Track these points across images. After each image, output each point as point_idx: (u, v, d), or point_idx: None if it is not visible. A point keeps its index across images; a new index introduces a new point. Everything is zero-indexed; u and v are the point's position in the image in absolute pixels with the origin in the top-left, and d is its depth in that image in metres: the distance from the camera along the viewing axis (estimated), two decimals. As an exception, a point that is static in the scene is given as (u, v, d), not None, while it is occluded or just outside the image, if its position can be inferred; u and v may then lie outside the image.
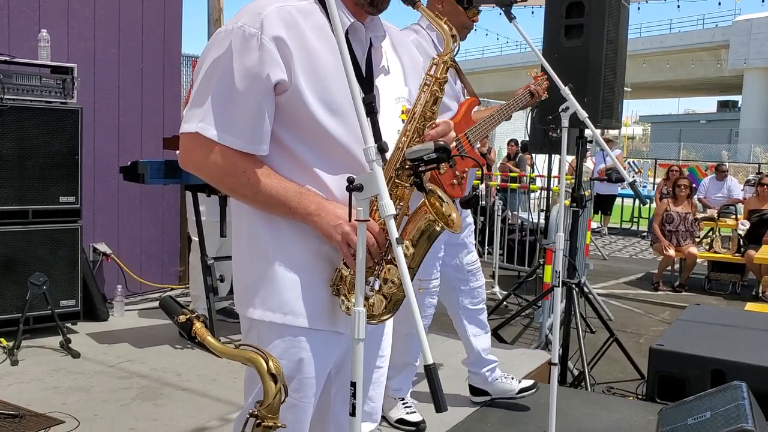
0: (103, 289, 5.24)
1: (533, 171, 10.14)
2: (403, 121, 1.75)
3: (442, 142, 1.54)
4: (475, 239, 8.18)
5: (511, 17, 2.79)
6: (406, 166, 1.63)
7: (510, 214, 8.77)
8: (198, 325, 1.28)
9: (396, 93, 1.80)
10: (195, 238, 4.57)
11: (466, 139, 3.20)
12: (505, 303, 6.35)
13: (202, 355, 4.08)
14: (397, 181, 1.64)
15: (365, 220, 1.40)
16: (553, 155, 6.55)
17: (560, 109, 2.73)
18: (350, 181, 1.37)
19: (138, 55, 5.54)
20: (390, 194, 1.60)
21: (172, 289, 5.84)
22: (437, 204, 1.64)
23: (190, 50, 8.45)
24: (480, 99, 3.42)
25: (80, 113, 4.51)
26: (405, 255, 1.55)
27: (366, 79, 1.71)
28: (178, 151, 1.84)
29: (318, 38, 1.61)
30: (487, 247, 8.31)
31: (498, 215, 7.51)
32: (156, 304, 5.43)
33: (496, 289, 7.24)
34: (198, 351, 4.13)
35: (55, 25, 4.90)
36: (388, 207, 1.33)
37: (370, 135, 1.35)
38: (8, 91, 4.20)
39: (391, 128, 1.73)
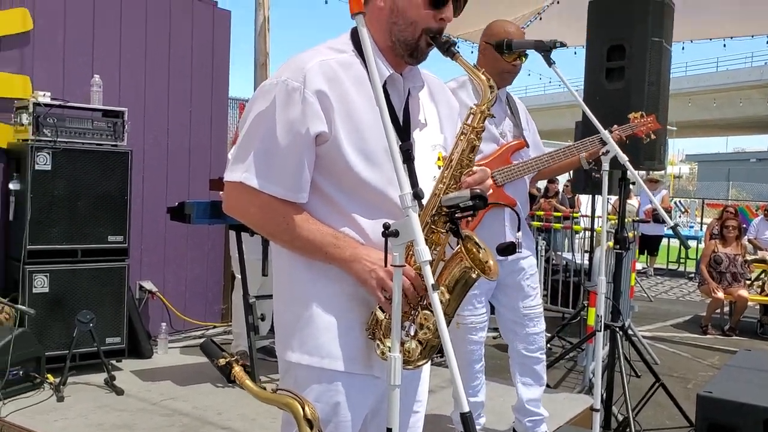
0: (148, 326, 5.33)
1: (577, 210, 10.04)
2: (439, 167, 1.79)
3: (478, 190, 1.57)
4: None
5: (550, 62, 2.81)
6: (443, 213, 1.66)
7: (554, 254, 8.67)
8: (237, 369, 1.31)
9: (432, 140, 1.84)
10: (238, 276, 4.63)
11: (491, 179, 3.19)
12: (549, 345, 6.25)
13: (242, 394, 4.08)
14: (433, 227, 1.67)
15: (401, 266, 1.42)
16: (596, 195, 6.51)
17: (601, 153, 2.72)
18: (386, 227, 1.40)
19: (187, 98, 5.71)
20: (426, 240, 1.63)
21: (215, 326, 5.91)
22: (474, 250, 1.65)
23: (237, 93, 8.65)
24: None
25: (130, 155, 4.65)
26: (441, 301, 1.56)
27: (403, 128, 1.76)
28: (222, 192, 1.90)
29: (357, 89, 1.67)
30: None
31: (541, 255, 7.43)
32: (199, 341, 5.48)
33: (539, 330, 7.13)
34: (239, 390, 4.13)
35: (108, 70, 5.09)
36: (424, 253, 1.35)
37: (406, 182, 1.38)
38: (61, 134, 4.37)
39: (428, 175, 1.77)
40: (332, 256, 1.67)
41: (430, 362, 1.75)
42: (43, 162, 4.29)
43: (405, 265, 1.47)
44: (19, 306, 3.39)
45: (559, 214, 9.99)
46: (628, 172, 4.44)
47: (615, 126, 3.42)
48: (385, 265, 1.43)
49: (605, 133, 2.74)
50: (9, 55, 4.62)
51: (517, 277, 3.40)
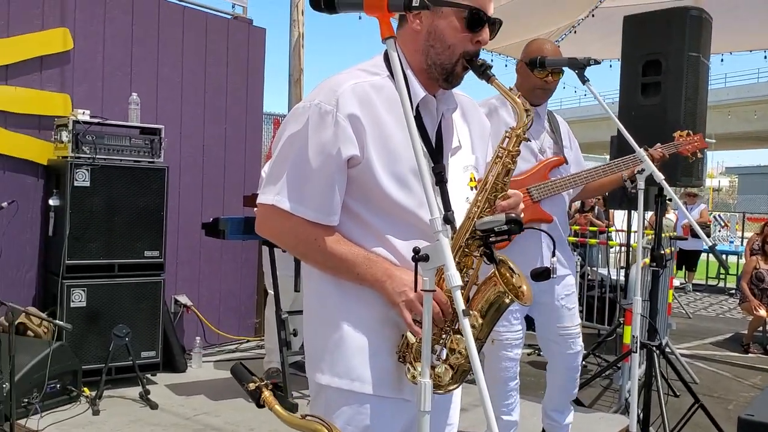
0: (183, 340, 5.39)
1: (611, 225, 9.90)
2: (471, 189, 1.78)
3: (513, 215, 1.57)
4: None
5: (584, 80, 2.79)
6: (477, 236, 1.65)
7: (589, 269, 8.56)
8: (266, 394, 1.31)
9: (464, 162, 1.84)
10: (271, 292, 4.66)
11: (528, 194, 3.19)
12: (584, 362, 6.15)
13: (274, 410, 4.11)
14: (466, 250, 1.66)
15: (431, 291, 1.41)
16: (632, 211, 6.41)
17: (636, 171, 2.69)
18: (416, 251, 1.39)
19: (222, 115, 5.79)
20: (458, 263, 1.63)
21: (248, 341, 5.95)
22: (507, 275, 1.64)
23: (272, 109, 8.74)
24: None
25: (166, 172, 4.72)
26: (473, 326, 1.57)
27: (436, 150, 1.75)
28: (255, 209, 1.92)
29: (389, 112, 1.67)
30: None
31: (576, 271, 7.33)
32: (233, 356, 5.53)
33: (574, 347, 7.02)
34: (271, 406, 4.16)
35: (146, 88, 5.19)
36: (455, 278, 1.33)
37: (435, 206, 1.37)
38: (100, 151, 4.45)
39: (460, 197, 1.77)
40: (364, 276, 1.67)
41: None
42: (82, 178, 4.38)
43: (436, 290, 1.46)
44: (57, 321, 3.44)
45: (595, 228, 9.87)
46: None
47: (658, 145, 3.36)
48: (416, 290, 1.42)
49: (640, 152, 2.70)
50: (50, 74, 4.74)
51: (553, 297, 3.34)
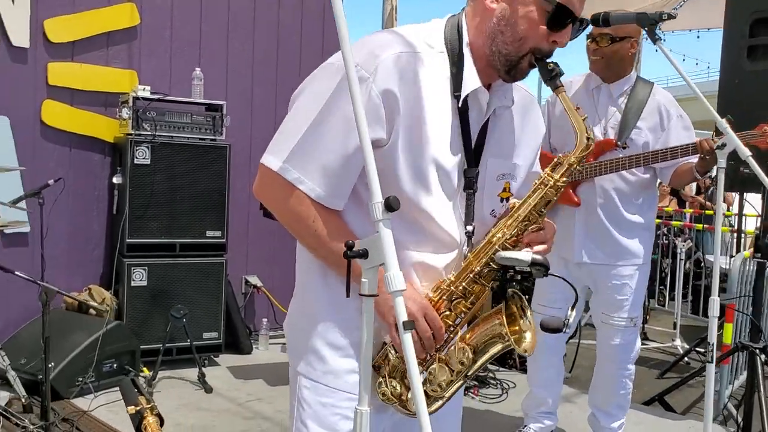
0: (253, 321, 5.30)
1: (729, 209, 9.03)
2: (502, 200, 1.56)
3: (540, 258, 1.36)
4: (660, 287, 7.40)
5: (655, 38, 2.35)
6: (493, 268, 1.44)
7: (702, 256, 7.83)
8: (150, 421, 1.06)
9: (501, 169, 1.57)
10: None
11: None
12: (686, 359, 5.58)
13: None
14: (478, 277, 1.45)
15: (372, 296, 1.11)
16: (745, 193, 5.74)
17: (716, 146, 2.24)
18: (349, 245, 1.09)
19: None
20: (465, 288, 1.45)
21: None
22: (517, 315, 1.44)
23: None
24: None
25: (228, 150, 4.59)
26: (461, 362, 1.40)
27: (474, 152, 1.50)
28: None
29: (432, 96, 1.43)
30: (669, 294, 7.47)
31: (680, 258, 6.71)
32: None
33: (677, 342, 6.42)
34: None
35: (214, 64, 5.06)
36: (396, 281, 1.04)
37: (377, 188, 1.07)
38: (160, 128, 4.37)
39: (487, 207, 1.55)
40: (357, 278, 1.42)
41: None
42: (143, 156, 4.32)
43: (377, 295, 1.16)
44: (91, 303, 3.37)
45: (710, 212, 9.04)
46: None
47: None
48: (348, 295, 1.13)
49: (722, 123, 2.24)
50: (117, 50, 4.69)
51: (608, 284, 3.19)
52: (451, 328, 1.44)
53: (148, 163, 4.33)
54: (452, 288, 1.44)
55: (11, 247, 4.29)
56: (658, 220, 7.64)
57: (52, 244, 4.36)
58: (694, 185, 10.54)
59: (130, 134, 4.31)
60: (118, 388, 3.93)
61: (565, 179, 1.46)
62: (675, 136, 3.11)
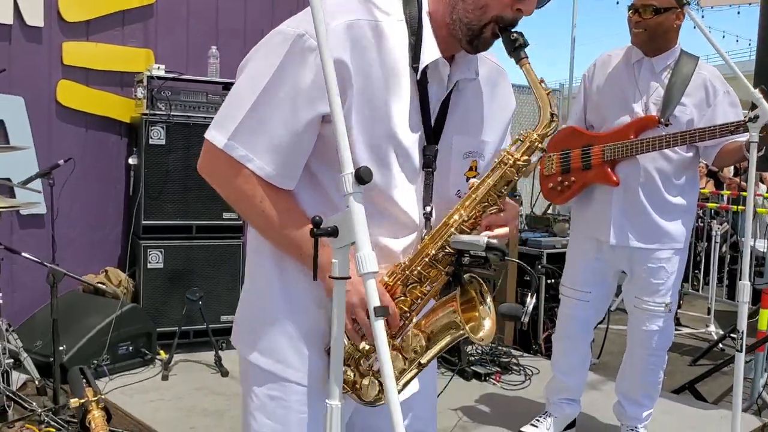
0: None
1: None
2: (467, 179, 1.43)
3: (496, 242, 1.25)
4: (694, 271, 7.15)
5: (682, 3, 2.19)
6: (449, 251, 1.33)
7: (739, 240, 7.56)
8: (96, 414, 0.96)
9: (467, 147, 1.45)
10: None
11: (600, 153, 2.91)
12: (721, 346, 5.39)
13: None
14: (434, 261, 1.34)
15: (343, 278, 0.99)
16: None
17: (747, 118, 2.06)
18: (316, 222, 0.98)
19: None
20: (421, 273, 1.33)
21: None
22: (475, 301, 1.33)
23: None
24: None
25: (244, 129, 4.49)
26: (415, 350, 1.30)
27: (434, 129, 1.38)
28: None
29: (386, 67, 1.32)
30: (703, 278, 7.23)
31: (716, 241, 6.47)
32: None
33: (711, 328, 6.21)
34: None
35: (232, 42, 4.95)
36: (368, 261, 0.92)
37: (348, 160, 0.95)
38: (175, 107, 4.29)
39: (452, 186, 1.43)
40: (308, 261, 1.30)
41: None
42: (157, 136, 4.25)
43: (349, 278, 1.04)
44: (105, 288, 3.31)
45: (746, 193, 8.73)
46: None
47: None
48: (315, 278, 1.01)
49: (755, 93, 2.07)
50: (132, 29, 4.61)
51: (644, 266, 3.03)
52: (407, 315, 1.33)
53: (164, 143, 4.26)
54: (407, 272, 1.33)
55: (27, 228, 4.26)
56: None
57: (69, 226, 4.33)
58: (732, 167, 10.21)
59: (145, 114, 4.24)
60: (134, 371, 3.96)
61: (526, 158, 1.34)
62: (722, 112, 2.91)
